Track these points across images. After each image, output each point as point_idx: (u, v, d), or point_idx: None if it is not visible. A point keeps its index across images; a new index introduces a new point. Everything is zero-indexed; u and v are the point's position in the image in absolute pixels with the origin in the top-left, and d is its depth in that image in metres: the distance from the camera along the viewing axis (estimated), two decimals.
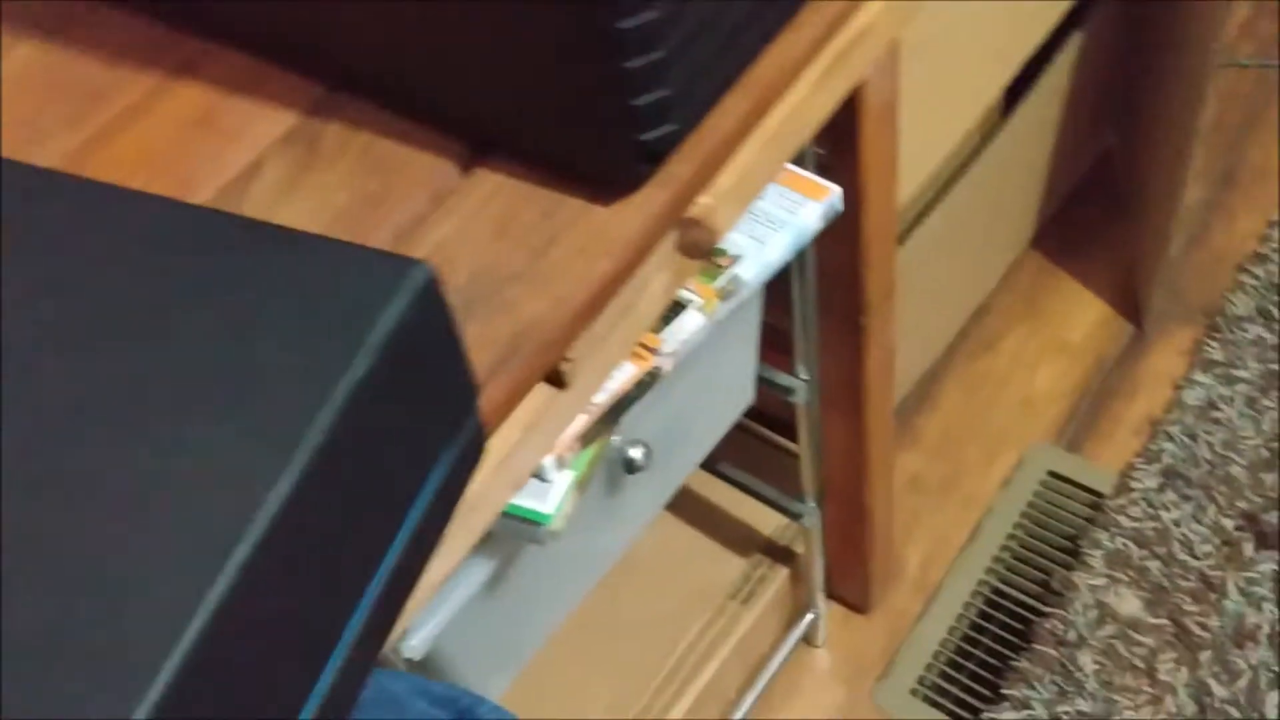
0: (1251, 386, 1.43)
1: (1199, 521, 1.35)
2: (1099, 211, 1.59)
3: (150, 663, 0.31)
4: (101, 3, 0.67)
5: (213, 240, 0.38)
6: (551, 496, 0.66)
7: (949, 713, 1.27)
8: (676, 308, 0.71)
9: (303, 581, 0.36)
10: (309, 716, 0.38)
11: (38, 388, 0.35)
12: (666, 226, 0.55)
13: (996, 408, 1.46)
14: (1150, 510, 1.36)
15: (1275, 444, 1.39)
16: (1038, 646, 1.29)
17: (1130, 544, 1.34)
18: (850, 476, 1.15)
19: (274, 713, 0.36)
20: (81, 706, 0.30)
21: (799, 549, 1.26)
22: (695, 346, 0.72)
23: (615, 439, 0.78)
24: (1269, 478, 1.37)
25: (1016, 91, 1.29)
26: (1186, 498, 1.37)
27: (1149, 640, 1.28)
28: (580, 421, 0.66)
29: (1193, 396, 1.43)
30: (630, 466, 0.79)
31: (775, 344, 0.99)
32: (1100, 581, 1.32)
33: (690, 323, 0.70)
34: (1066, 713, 1.25)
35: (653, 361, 0.69)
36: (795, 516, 1.14)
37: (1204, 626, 1.28)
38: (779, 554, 1.26)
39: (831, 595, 1.32)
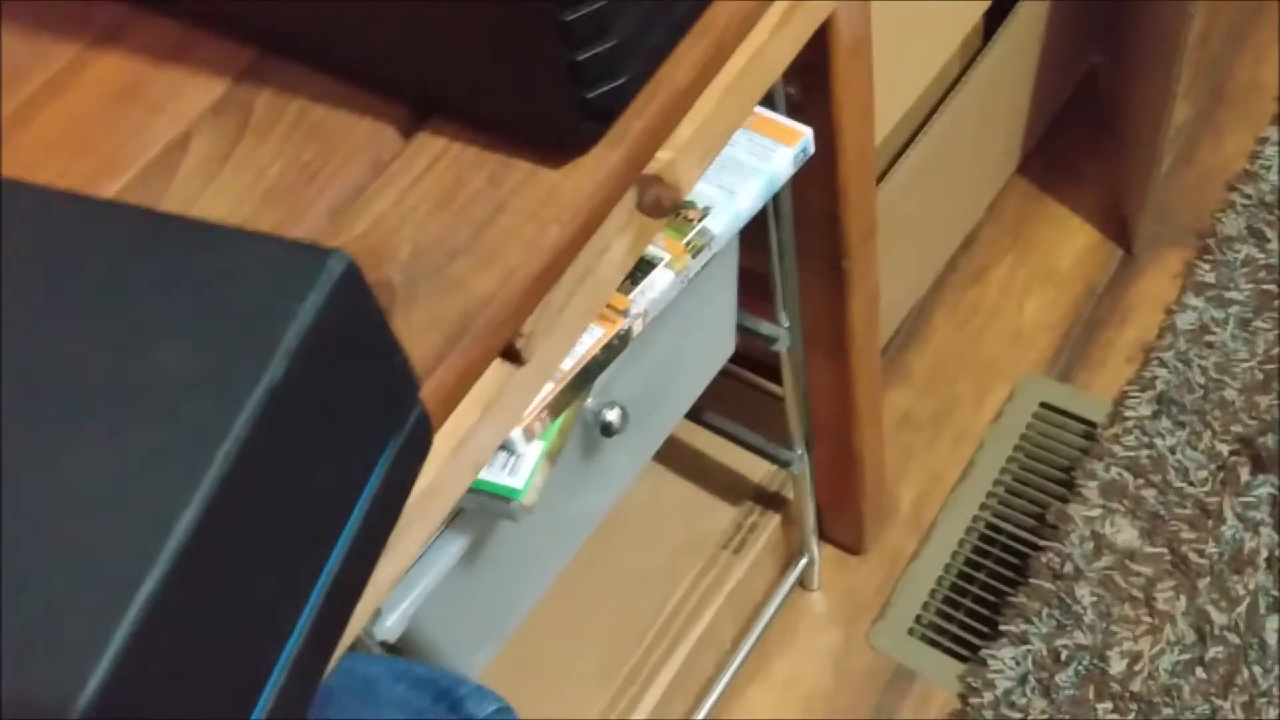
0: (1244, 308, 1.41)
1: (1194, 447, 1.33)
2: (1085, 135, 1.55)
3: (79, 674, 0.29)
4: None
5: (111, 237, 0.35)
6: (521, 470, 0.63)
7: (947, 651, 1.26)
8: (645, 266, 0.68)
9: (234, 594, 0.34)
10: (261, 716, 0.36)
11: None
12: (623, 186, 0.52)
13: (986, 340, 1.43)
14: (1144, 438, 1.34)
15: (1269, 366, 1.36)
16: (1034, 581, 1.27)
17: (1125, 473, 1.32)
18: (839, 420, 1.13)
19: (224, 712, 0.34)
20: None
21: (789, 494, 1.24)
22: (667, 304, 0.68)
23: (590, 402, 0.75)
24: (1264, 400, 1.34)
25: (996, 14, 1.25)
26: (1181, 424, 1.35)
27: (1146, 570, 1.27)
28: (547, 390, 0.63)
29: (1185, 320, 1.41)
30: (607, 430, 0.76)
31: (755, 290, 0.96)
32: (1096, 512, 1.30)
33: (660, 281, 0.67)
34: (1065, 646, 1.24)
35: (621, 323, 0.66)
36: (784, 464, 1.12)
37: (1201, 553, 1.27)
38: (769, 500, 1.24)
39: (824, 538, 1.30)
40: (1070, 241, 1.49)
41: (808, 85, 0.77)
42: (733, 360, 0.98)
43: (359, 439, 0.37)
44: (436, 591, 0.70)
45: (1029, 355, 1.42)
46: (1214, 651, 1.22)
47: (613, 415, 0.77)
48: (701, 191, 0.71)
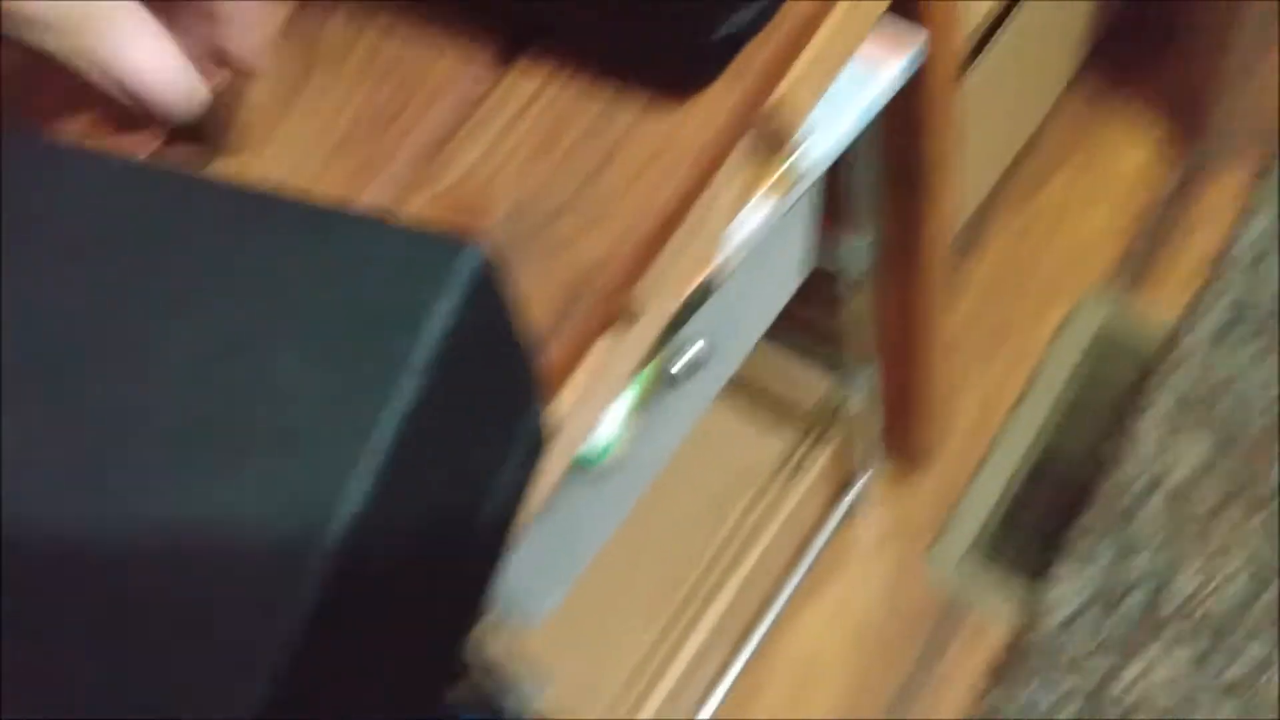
0: None
1: (1263, 364, 1.28)
2: (1148, 38, 1.46)
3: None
4: None
5: (198, 220, 0.29)
6: (609, 425, 0.58)
7: (1005, 576, 1.23)
8: None
9: (367, 642, 0.29)
10: None
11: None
12: (745, 127, 0.46)
13: (1046, 252, 1.37)
14: (1211, 355, 1.29)
15: None
16: (1098, 503, 1.23)
17: (1191, 392, 1.27)
18: (902, 339, 1.07)
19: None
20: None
21: (845, 417, 1.19)
22: (761, 240, 0.63)
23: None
24: None
25: None
26: (1249, 340, 1.29)
27: (1213, 492, 1.22)
28: None
29: (1253, 231, 1.34)
30: (690, 365, 0.71)
31: (828, 206, 0.90)
32: (1161, 432, 1.25)
33: (756, 215, 0.61)
34: (1129, 571, 1.20)
35: (716, 264, 0.60)
36: (845, 386, 1.07)
37: (1270, 474, 1.22)
38: (825, 424, 1.19)
39: (881, 460, 1.26)
40: (1134, 149, 1.41)
41: None
42: None
43: (482, 453, 0.32)
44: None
45: (1091, 268, 1.36)
46: None
47: (694, 352, 0.71)
48: None
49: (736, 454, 1.16)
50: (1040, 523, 1.25)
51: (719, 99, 0.44)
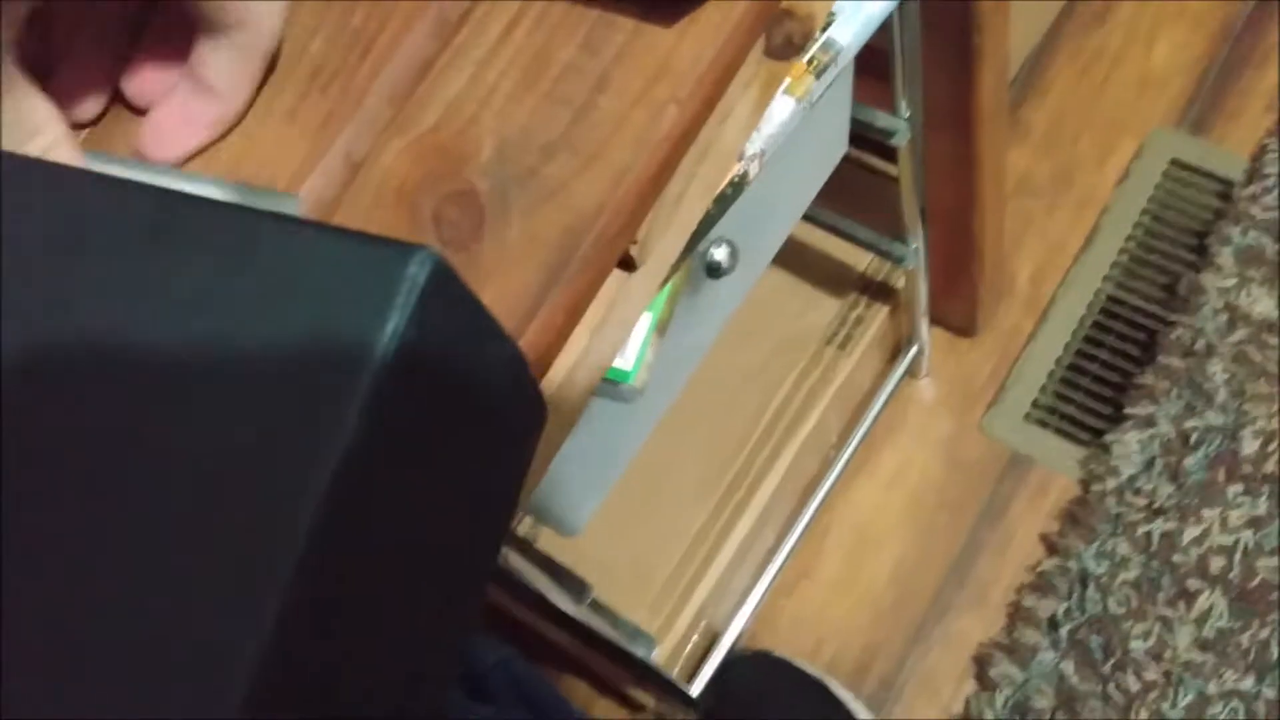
0: None
1: None
2: None
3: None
4: None
5: (110, 233, 0.26)
6: (630, 350, 0.55)
7: (1067, 435, 1.19)
8: None
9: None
10: None
11: None
12: (753, 38, 0.41)
13: (1110, 90, 1.29)
14: None
15: None
16: (1162, 358, 1.18)
17: (1264, 237, 1.20)
18: (957, 203, 1.02)
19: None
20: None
21: (897, 283, 1.15)
22: (787, 136, 0.58)
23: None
24: None
25: None
26: None
27: None
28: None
29: None
30: (715, 271, 0.67)
31: (869, 70, 0.84)
32: (1230, 282, 1.20)
33: (779, 112, 0.56)
34: (1195, 427, 1.16)
35: (736, 169, 0.55)
36: (897, 260, 1.02)
37: None
38: (876, 290, 1.15)
39: (935, 322, 1.22)
40: None
41: None
42: None
43: (461, 457, 0.29)
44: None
45: (1158, 105, 1.28)
46: None
47: (720, 254, 0.67)
48: None
49: (784, 326, 1.13)
50: (1101, 381, 1.21)
51: (721, 10, 0.39)
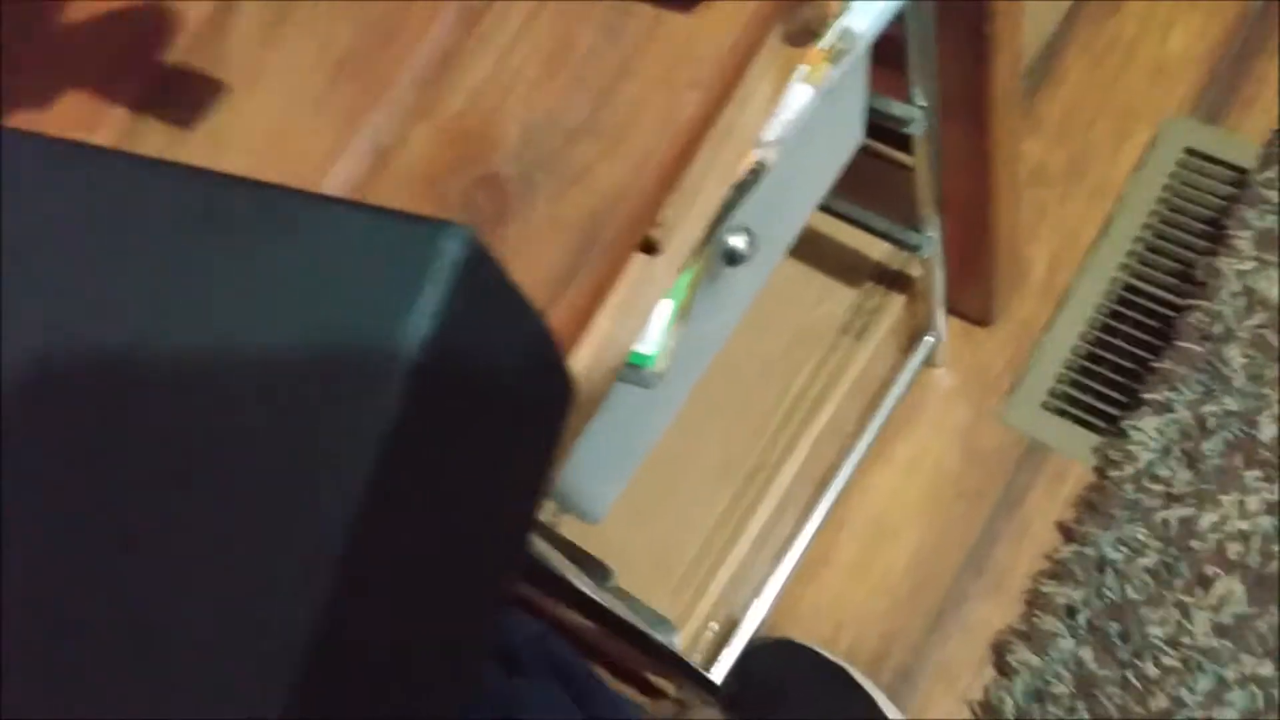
0: None
1: None
2: None
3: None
4: None
5: (143, 220, 0.27)
6: (651, 334, 0.56)
7: (1084, 423, 1.19)
8: None
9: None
10: None
11: None
12: (771, 24, 0.42)
13: (1125, 78, 1.29)
14: None
15: None
16: (1179, 343, 1.18)
17: (1276, 227, 1.21)
18: (972, 192, 1.02)
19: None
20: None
21: (912, 272, 1.15)
22: (804, 124, 0.59)
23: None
24: None
25: None
26: None
27: None
28: None
29: None
30: (733, 258, 0.68)
31: (883, 60, 0.84)
32: (1249, 265, 1.20)
33: (797, 99, 0.57)
34: (1213, 412, 1.16)
35: (754, 156, 0.56)
36: (913, 248, 1.03)
37: None
38: (891, 280, 1.15)
39: (951, 311, 1.22)
40: None
41: None
42: None
43: (497, 434, 0.29)
44: None
45: (1173, 94, 1.28)
46: None
47: (739, 241, 0.68)
48: None
49: (801, 315, 1.13)
50: (1118, 368, 1.21)
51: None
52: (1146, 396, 1.17)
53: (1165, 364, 1.18)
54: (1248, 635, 1.07)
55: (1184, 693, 1.07)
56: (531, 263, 0.38)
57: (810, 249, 1.15)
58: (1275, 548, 1.09)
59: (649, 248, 0.42)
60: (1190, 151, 1.26)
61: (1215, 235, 1.23)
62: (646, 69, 0.40)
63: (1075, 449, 1.18)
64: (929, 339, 1.17)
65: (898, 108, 0.85)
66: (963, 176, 1.00)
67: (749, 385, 1.10)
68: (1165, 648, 1.08)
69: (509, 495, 0.32)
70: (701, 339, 0.76)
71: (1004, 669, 1.11)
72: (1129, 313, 1.23)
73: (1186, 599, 1.09)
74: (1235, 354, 1.17)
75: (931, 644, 1.13)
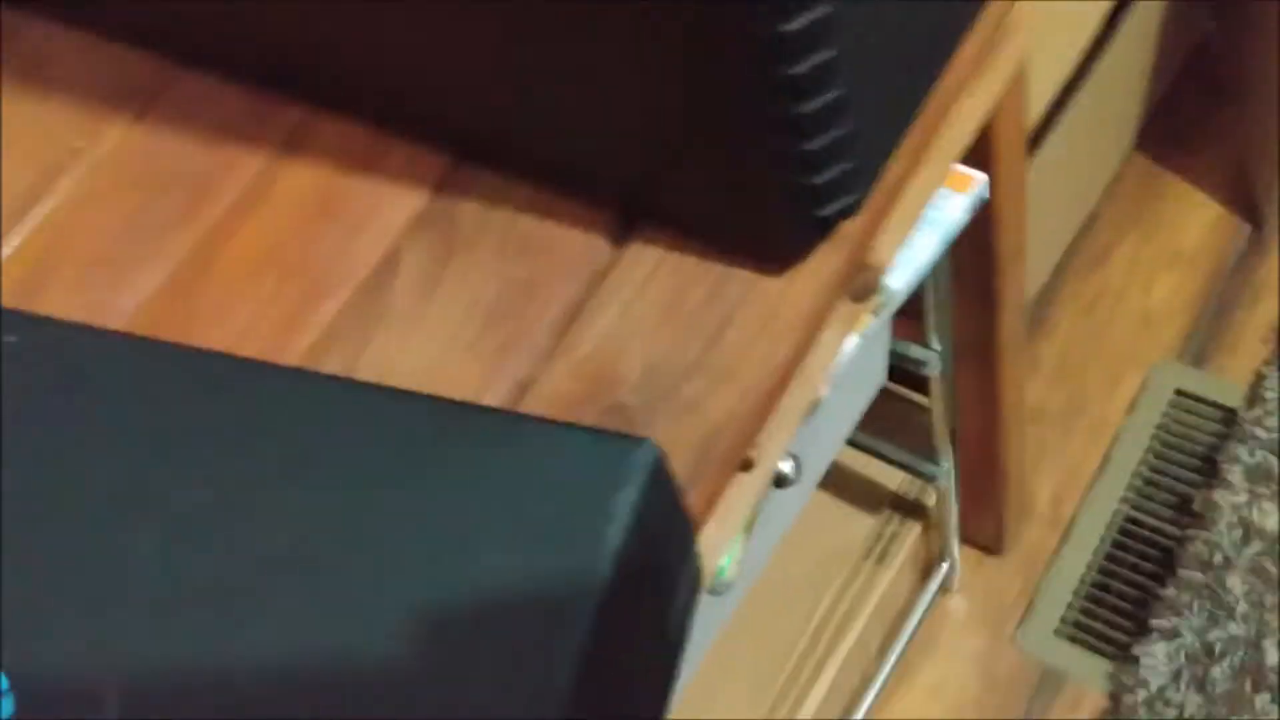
0: None
1: None
2: (1200, 106, 1.50)
3: None
4: (182, 70, 0.62)
5: (390, 430, 0.34)
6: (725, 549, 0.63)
7: (1095, 650, 1.25)
8: None
9: None
10: None
11: None
12: (844, 287, 0.51)
13: (1114, 326, 1.40)
14: None
15: None
16: (1182, 572, 1.25)
17: (1270, 456, 1.29)
18: (982, 429, 1.11)
19: None
20: None
21: (928, 501, 1.23)
22: (848, 366, 0.67)
23: None
24: None
25: None
26: None
27: None
28: None
29: None
30: (782, 482, 0.76)
31: (903, 309, 0.95)
32: (1242, 498, 1.27)
33: (845, 347, 0.66)
34: (1218, 638, 1.22)
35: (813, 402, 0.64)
36: (929, 478, 1.11)
37: None
38: (909, 508, 1.23)
39: (964, 541, 1.29)
40: (1195, 218, 1.45)
41: None
42: None
43: (661, 617, 0.36)
44: None
45: (1160, 340, 1.39)
46: None
47: (788, 467, 0.76)
48: None
49: (826, 540, 1.20)
50: (1125, 595, 1.27)
51: (820, 265, 0.49)
52: (1154, 623, 1.23)
53: (1170, 591, 1.24)
54: None
55: None
56: None
57: (831, 476, 1.23)
58: None
59: (745, 465, 0.50)
60: (1180, 393, 1.36)
61: (1209, 470, 1.31)
62: (746, 320, 0.48)
63: (1089, 675, 1.23)
64: (945, 566, 1.24)
65: (916, 350, 0.94)
66: (973, 413, 1.09)
67: (776, 609, 1.16)
68: None
69: (653, 672, 0.38)
70: (750, 563, 0.82)
71: None
72: (1132, 542, 1.30)
73: None
74: (1236, 582, 1.24)
75: None
